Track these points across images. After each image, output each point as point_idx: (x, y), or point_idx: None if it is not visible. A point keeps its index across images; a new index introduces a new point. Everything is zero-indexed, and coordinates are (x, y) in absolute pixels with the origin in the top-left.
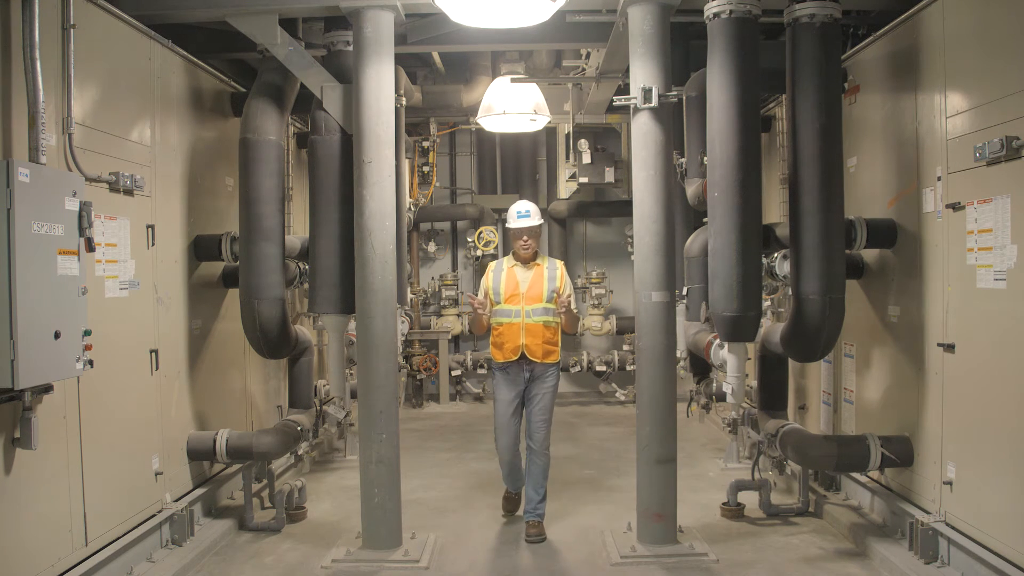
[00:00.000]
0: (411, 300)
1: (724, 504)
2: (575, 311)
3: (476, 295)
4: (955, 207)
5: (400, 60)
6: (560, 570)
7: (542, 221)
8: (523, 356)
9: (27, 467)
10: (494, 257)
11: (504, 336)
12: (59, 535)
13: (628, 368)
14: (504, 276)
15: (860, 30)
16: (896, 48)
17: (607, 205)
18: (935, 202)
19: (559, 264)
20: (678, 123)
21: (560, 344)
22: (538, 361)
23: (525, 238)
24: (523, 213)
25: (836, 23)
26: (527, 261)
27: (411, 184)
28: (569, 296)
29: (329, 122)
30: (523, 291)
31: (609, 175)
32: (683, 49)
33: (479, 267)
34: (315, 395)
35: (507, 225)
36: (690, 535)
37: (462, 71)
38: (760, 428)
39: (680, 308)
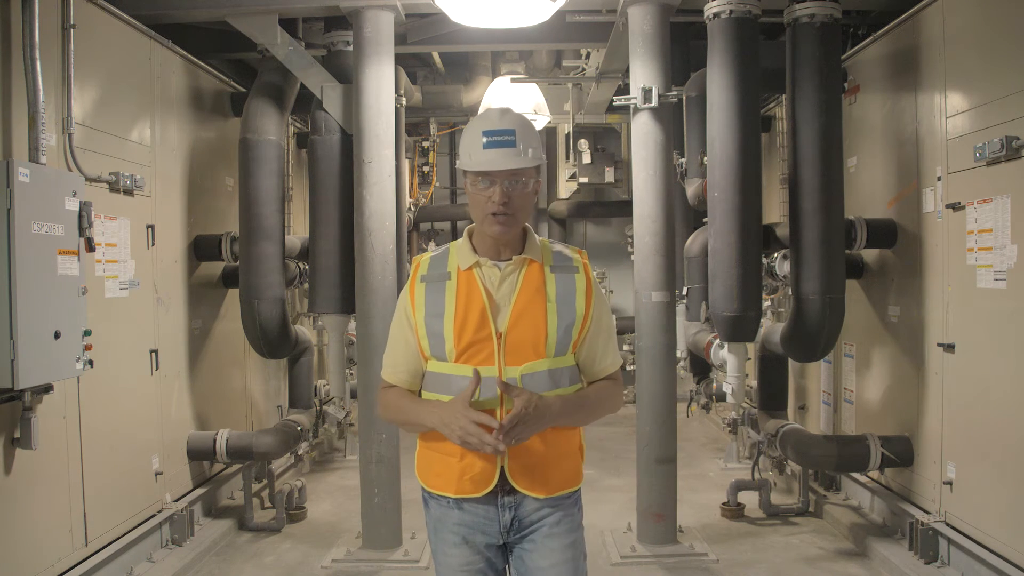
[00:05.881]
0: None
1: (724, 504)
2: (615, 370)
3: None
4: (955, 207)
5: (400, 60)
6: None
7: (543, 159)
8: (504, 483)
9: (27, 467)
10: None
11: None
12: (59, 535)
13: (628, 368)
14: (451, 293)
15: (860, 30)
16: (896, 48)
17: (607, 205)
18: (935, 202)
19: (580, 261)
20: (678, 123)
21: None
22: (540, 496)
23: (500, 193)
24: (497, 135)
25: (836, 23)
26: (505, 252)
27: (411, 184)
28: (607, 337)
29: (329, 122)
30: (500, 328)
31: (609, 175)
32: (683, 49)
33: None
34: (315, 395)
35: (459, 164)
36: (690, 535)
37: (462, 71)
38: (760, 428)
39: (680, 308)
